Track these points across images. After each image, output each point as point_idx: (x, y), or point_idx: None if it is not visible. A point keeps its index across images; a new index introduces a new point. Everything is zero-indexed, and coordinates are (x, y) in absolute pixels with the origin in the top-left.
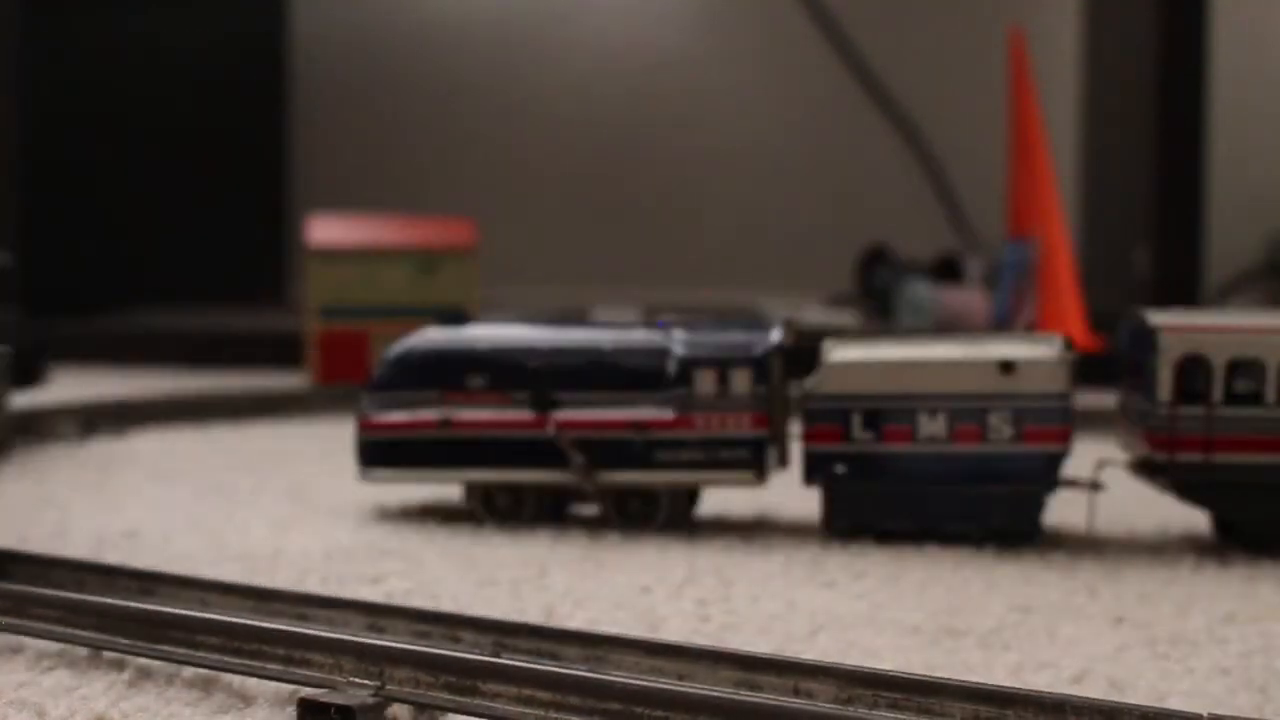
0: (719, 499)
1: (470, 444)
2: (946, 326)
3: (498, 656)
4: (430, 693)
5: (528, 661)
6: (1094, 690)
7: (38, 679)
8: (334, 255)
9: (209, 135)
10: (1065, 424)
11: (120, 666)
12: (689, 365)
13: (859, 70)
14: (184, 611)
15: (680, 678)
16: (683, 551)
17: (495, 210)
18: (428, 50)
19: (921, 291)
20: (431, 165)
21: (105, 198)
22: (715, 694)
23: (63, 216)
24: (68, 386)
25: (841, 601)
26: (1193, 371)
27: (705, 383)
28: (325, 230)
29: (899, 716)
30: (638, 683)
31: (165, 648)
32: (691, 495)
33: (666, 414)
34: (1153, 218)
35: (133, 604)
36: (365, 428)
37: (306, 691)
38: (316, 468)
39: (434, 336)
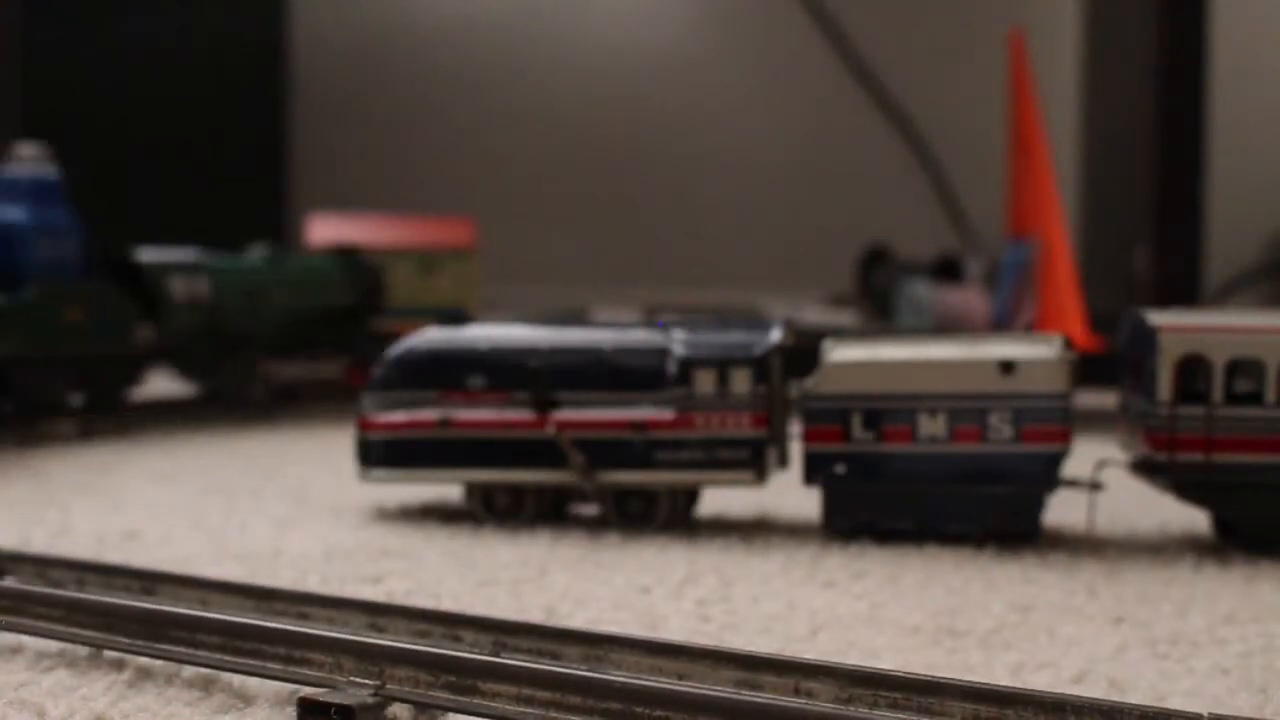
0: (719, 499)
1: (470, 444)
2: (946, 326)
3: (498, 656)
4: (430, 692)
5: (528, 661)
6: (1094, 690)
7: (38, 679)
8: None
9: (209, 135)
10: (1065, 424)
11: (120, 666)
12: (689, 365)
13: (859, 70)
14: (184, 611)
15: (680, 677)
16: (683, 551)
17: (495, 210)
18: (428, 50)
19: (921, 291)
20: (431, 165)
21: (105, 197)
22: (715, 694)
23: None
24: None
25: (841, 601)
26: (1193, 371)
27: (705, 383)
28: (325, 229)
29: (899, 716)
30: (638, 682)
31: (166, 647)
32: (691, 495)
33: (666, 414)
34: (1153, 218)
35: (133, 603)
36: (365, 428)
37: (306, 691)
38: (316, 468)
39: (434, 336)
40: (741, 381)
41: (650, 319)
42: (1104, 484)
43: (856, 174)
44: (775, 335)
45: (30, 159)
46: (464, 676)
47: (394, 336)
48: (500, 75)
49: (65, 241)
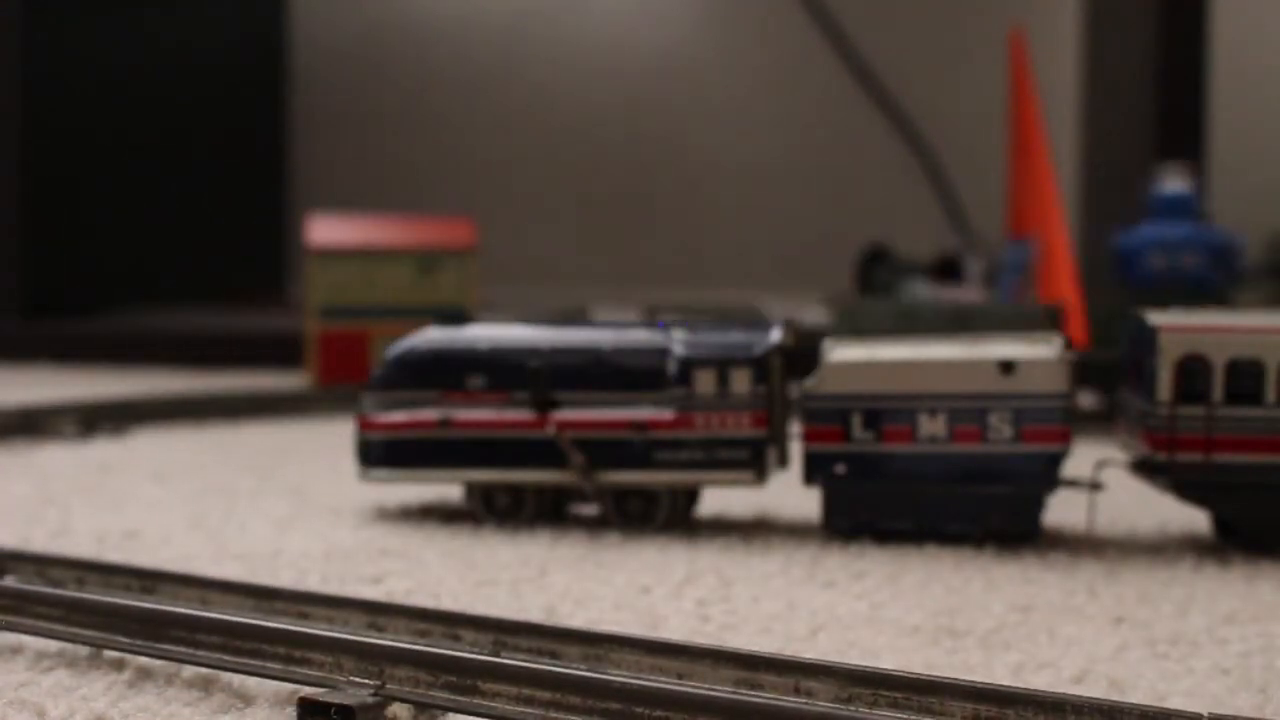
0: (719, 499)
1: (470, 444)
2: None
3: (498, 656)
4: (430, 692)
5: (528, 661)
6: (1094, 690)
7: (38, 679)
8: (334, 255)
9: (209, 135)
10: (1065, 424)
11: (120, 666)
12: (689, 365)
13: (859, 70)
14: (184, 610)
15: (680, 677)
16: (683, 551)
17: (495, 210)
18: (428, 51)
19: (921, 291)
20: (431, 165)
21: (105, 197)
22: (715, 693)
23: (63, 216)
24: (68, 386)
25: (841, 601)
26: (1193, 371)
27: (705, 383)
28: (325, 230)
29: (899, 716)
30: (638, 682)
31: (166, 647)
32: (691, 495)
33: (666, 414)
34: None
35: (133, 603)
36: (365, 428)
37: (306, 691)
38: (316, 468)
39: (434, 336)
40: (741, 381)
41: (650, 319)
42: (1104, 484)
43: (856, 174)
44: (775, 335)
45: (1169, 178)
46: (464, 676)
47: None
48: (500, 76)
49: (1179, 254)
